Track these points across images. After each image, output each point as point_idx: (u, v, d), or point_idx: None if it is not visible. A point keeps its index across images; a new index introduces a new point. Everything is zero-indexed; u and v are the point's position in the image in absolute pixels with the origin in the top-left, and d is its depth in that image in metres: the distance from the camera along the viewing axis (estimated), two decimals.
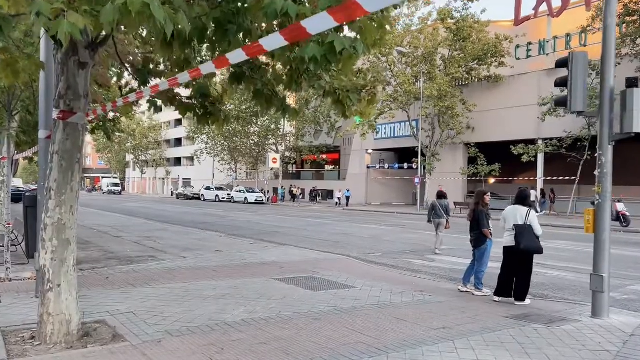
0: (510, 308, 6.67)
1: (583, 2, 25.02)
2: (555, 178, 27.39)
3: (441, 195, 13.06)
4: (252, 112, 44.26)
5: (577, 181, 25.99)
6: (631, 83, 5.78)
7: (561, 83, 6.45)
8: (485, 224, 7.63)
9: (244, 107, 43.16)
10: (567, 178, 26.70)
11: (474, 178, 31.80)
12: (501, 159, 30.97)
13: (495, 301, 7.07)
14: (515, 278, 6.98)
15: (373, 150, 41.94)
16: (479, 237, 7.66)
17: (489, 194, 8.16)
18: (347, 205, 37.65)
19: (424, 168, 33.88)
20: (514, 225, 6.90)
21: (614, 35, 6.02)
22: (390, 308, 6.50)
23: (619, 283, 8.86)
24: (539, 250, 6.86)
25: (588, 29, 23.70)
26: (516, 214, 7.06)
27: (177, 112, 6.39)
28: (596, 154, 6.12)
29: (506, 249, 7.11)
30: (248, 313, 6.00)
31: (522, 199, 7.26)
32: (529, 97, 29.33)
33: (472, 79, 33.05)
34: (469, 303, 6.94)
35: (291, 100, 38.38)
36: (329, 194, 44.61)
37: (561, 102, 6.48)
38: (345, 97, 4.57)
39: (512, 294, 7.05)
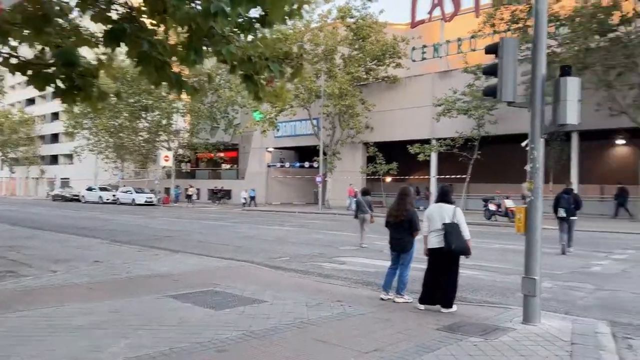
0: (438, 317, 6.06)
1: (474, 8, 26.28)
2: (448, 176, 28.54)
3: (365, 192, 13.70)
4: (142, 106, 40.99)
5: (467, 180, 27.29)
6: (564, 71, 5.43)
7: (490, 71, 5.98)
8: (418, 225, 7.00)
9: (132, 100, 39.74)
10: (458, 176, 27.95)
11: (372, 177, 32.19)
12: (398, 158, 31.68)
13: (420, 309, 6.46)
14: (442, 283, 6.40)
15: (273, 148, 40.94)
16: (409, 240, 6.98)
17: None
18: (255, 205, 36.24)
19: (325, 166, 33.64)
20: (443, 224, 6.31)
21: (545, 19, 5.65)
22: (310, 327, 5.54)
23: None
24: (468, 251, 6.33)
25: (479, 33, 24.87)
26: (442, 212, 6.48)
27: (35, 88, 4.84)
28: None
29: (433, 252, 6.49)
30: (131, 348, 4.66)
31: (445, 196, 6.69)
32: (424, 98, 30.29)
33: (371, 79, 33.45)
34: (394, 313, 6.23)
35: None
36: (226, 194, 42.69)
37: (490, 92, 6.00)
38: (263, 67, 3.50)
39: (438, 301, 6.48)
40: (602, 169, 30.87)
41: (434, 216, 6.50)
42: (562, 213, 12.65)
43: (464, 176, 27.35)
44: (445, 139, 27.81)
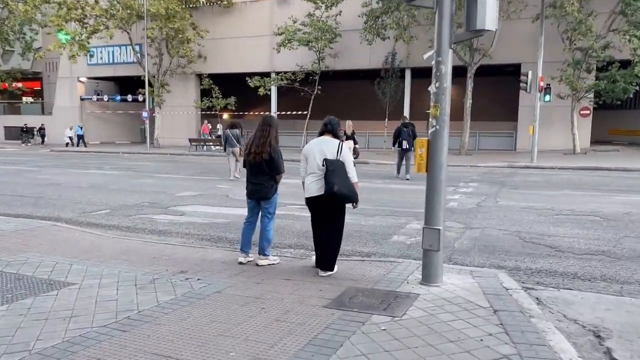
0: (320, 285, 4.66)
1: None
2: (289, 113, 27.44)
3: (233, 125, 13.99)
4: None
5: (308, 116, 26.51)
6: None
7: None
8: (282, 166, 5.34)
9: None
10: (299, 113, 27.04)
11: (208, 112, 29.49)
12: (236, 92, 29.44)
13: (323, 276, 4.95)
14: (324, 240, 4.99)
15: (87, 78, 34.91)
16: (271, 185, 5.34)
17: None
18: (84, 145, 30.45)
19: (153, 100, 29.75)
20: (324, 160, 4.81)
21: None
22: (142, 328, 3.63)
23: (395, 222, 8.00)
24: (355, 197, 4.88)
25: None
26: (323, 147, 4.95)
27: None
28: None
29: (312, 202, 4.99)
30: None
31: (332, 127, 5.11)
32: (262, 27, 28.08)
33: (203, 0, 29.79)
34: (262, 286, 4.63)
35: None
36: (36, 132, 35.41)
37: None
38: None
39: (317, 263, 5.08)
40: (428, 106, 33.02)
41: (313, 153, 4.94)
42: (405, 145, 13.74)
43: (304, 112, 26.50)
44: (286, 72, 26.34)
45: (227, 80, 30.34)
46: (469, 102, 22.70)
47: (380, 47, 25.10)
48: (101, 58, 33.50)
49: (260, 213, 5.49)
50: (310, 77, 25.80)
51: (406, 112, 25.58)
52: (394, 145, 14.48)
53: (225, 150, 14.03)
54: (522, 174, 15.39)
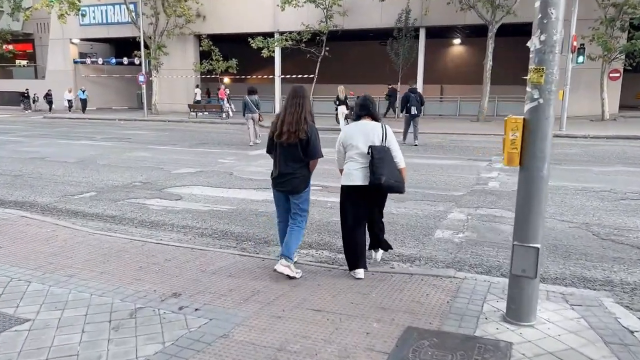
0: (365, 322, 3.37)
1: None
2: (294, 76, 25.69)
3: (251, 91, 13.52)
4: None
5: (315, 80, 24.79)
6: None
7: None
8: (321, 150, 4.17)
9: None
10: (305, 76, 25.31)
11: (208, 76, 27.77)
12: (238, 54, 27.65)
13: (359, 278, 4.11)
14: (376, 229, 4.46)
15: (80, 40, 32.98)
16: (305, 175, 4.18)
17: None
18: (83, 111, 29.01)
19: (149, 63, 28.01)
20: (369, 147, 4.02)
21: None
22: None
23: (432, 210, 6.68)
24: (403, 188, 4.15)
25: None
26: (368, 131, 4.12)
27: None
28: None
29: (353, 189, 4.10)
30: None
31: (367, 109, 4.29)
32: None
33: None
34: (283, 321, 3.36)
35: None
36: (19, 98, 33.73)
37: None
38: None
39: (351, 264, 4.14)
40: (443, 68, 31.22)
41: (356, 138, 4.14)
42: (414, 111, 13.56)
43: (311, 76, 24.78)
44: (290, 32, 24.46)
45: (228, 41, 28.50)
46: (489, 64, 20.99)
47: (393, 4, 23.19)
48: (94, 18, 31.49)
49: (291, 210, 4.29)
50: (317, 38, 23.96)
51: (419, 76, 23.90)
52: (402, 112, 14.66)
53: (244, 115, 13.66)
54: (556, 144, 13.94)
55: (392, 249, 4.70)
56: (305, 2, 22.77)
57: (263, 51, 23.88)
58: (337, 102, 17.42)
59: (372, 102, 4.29)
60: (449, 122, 21.86)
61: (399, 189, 4.08)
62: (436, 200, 7.23)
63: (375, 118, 4.25)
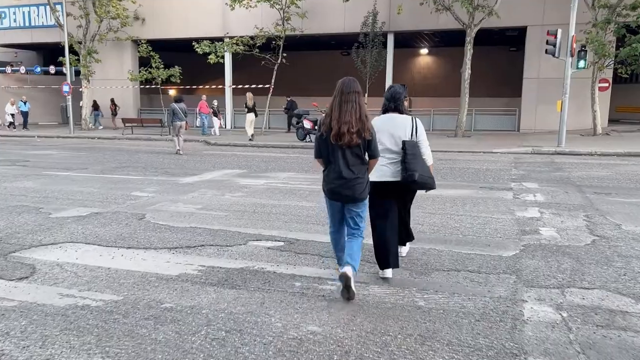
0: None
1: None
2: (246, 86, 22.50)
3: (178, 100, 13.74)
4: None
5: (271, 90, 21.68)
6: None
7: None
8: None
9: None
10: (260, 86, 22.19)
11: (149, 86, 24.15)
12: (186, 63, 24.32)
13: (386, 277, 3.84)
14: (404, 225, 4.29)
15: (0, 45, 28.69)
16: (366, 179, 3.64)
17: None
18: (24, 126, 24.51)
19: (78, 72, 24.16)
20: (403, 142, 3.85)
21: None
22: None
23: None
24: (434, 184, 4.00)
25: None
26: (397, 126, 3.93)
27: None
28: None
29: (381, 185, 3.86)
30: None
31: (397, 102, 4.02)
32: None
33: None
34: None
35: None
36: None
37: None
38: None
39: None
40: (411, 79, 28.87)
41: (385, 133, 3.91)
42: None
43: (266, 85, 21.67)
44: (242, 36, 21.34)
45: (174, 49, 25.15)
46: (467, 72, 18.59)
47: (358, 8, 20.61)
48: (14, 20, 27.35)
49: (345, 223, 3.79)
50: (273, 42, 20.95)
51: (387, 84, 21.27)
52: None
53: (171, 123, 13.79)
54: (570, 164, 11.37)
55: (414, 238, 4.53)
56: (258, 1, 19.79)
57: (210, 57, 20.59)
58: (247, 109, 17.65)
59: (401, 95, 4.02)
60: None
61: (431, 185, 3.96)
62: (480, 269, 4.23)
63: (402, 112, 4.01)
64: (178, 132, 13.54)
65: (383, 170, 3.86)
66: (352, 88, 3.55)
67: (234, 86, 23.83)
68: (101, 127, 25.15)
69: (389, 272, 3.95)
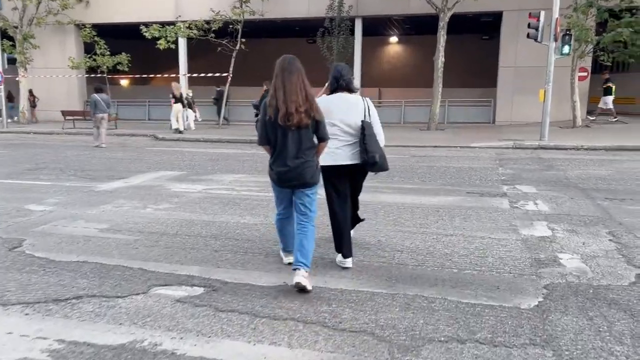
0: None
1: None
2: (202, 75, 20.56)
3: (99, 89, 13.15)
4: None
5: (229, 79, 19.84)
6: None
7: None
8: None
9: None
10: (217, 75, 20.30)
11: (94, 75, 21.90)
12: (138, 51, 22.18)
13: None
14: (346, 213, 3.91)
15: None
16: (316, 163, 3.50)
17: None
18: None
19: (13, 60, 21.73)
20: (362, 121, 3.72)
21: None
22: None
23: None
24: (387, 165, 3.91)
25: None
26: (351, 106, 3.76)
27: None
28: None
29: (337, 169, 3.75)
30: None
31: (347, 82, 3.80)
32: None
33: None
34: None
35: None
36: None
37: None
38: None
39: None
40: (380, 69, 27.46)
41: (337, 113, 3.70)
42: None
43: (224, 74, 19.83)
44: (196, 20, 19.39)
45: (125, 37, 22.90)
46: (440, 60, 17.21)
47: None
48: None
49: (294, 208, 3.59)
50: (231, 27, 19.10)
51: (356, 75, 19.75)
52: None
53: (94, 115, 12.94)
54: (560, 160, 10.11)
55: (364, 219, 4.43)
56: None
57: (160, 42, 18.60)
58: (173, 100, 16.57)
59: (347, 74, 3.82)
60: (395, 131, 17.68)
61: (386, 166, 3.86)
62: (495, 336, 2.73)
63: (352, 90, 3.82)
64: (100, 123, 12.86)
65: (337, 154, 3.71)
66: (294, 67, 3.40)
67: (189, 75, 21.84)
68: (16, 118, 22.24)
69: (349, 262, 3.79)
